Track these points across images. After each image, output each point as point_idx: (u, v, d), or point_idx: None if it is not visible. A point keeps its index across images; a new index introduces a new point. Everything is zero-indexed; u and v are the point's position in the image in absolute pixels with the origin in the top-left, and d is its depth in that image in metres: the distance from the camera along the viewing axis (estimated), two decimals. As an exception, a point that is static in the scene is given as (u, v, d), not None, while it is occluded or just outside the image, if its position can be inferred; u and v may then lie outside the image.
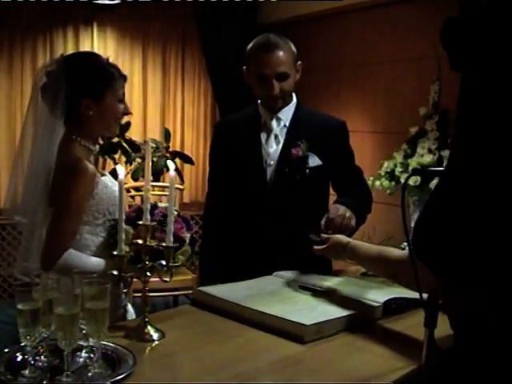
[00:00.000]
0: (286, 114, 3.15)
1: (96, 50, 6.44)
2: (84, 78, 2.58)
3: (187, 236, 2.38)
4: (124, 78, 2.69)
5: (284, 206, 3.05)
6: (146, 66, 7.08)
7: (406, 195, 4.86)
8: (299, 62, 3.09)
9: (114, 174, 2.59)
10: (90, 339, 1.88)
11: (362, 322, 2.34)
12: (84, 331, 1.87)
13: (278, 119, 3.13)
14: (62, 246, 2.43)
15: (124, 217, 2.13)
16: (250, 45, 3.09)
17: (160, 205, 2.44)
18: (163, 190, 6.06)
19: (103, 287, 1.85)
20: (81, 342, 1.89)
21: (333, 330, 2.22)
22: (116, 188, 2.35)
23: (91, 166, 2.52)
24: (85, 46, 6.61)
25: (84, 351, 1.92)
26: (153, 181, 6.07)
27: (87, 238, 2.53)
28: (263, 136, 3.13)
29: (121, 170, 2.12)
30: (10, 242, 6.32)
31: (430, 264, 1.54)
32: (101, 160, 6.25)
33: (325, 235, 2.65)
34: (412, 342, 2.16)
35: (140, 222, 2.16)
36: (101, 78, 2.59)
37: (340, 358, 2.06)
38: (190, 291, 5.60)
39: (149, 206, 2.13)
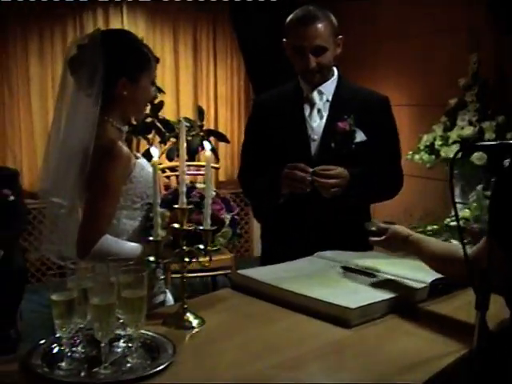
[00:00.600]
0: (328, 88, 3.06)
1: (127, 30, 6.39)
2: (123, 56, 2.49)
3: (227, 217, 2.29)
4: (157, 60, 2.62)
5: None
6: (177, 45, 7.04)
7: (446, 169, 4.76)
8: (340, 37, 2.99)
9: (147, 155, 2.52)
10: (128, 328, 1.81)
11: (408, 303, 2.25)
12: (121, 320, 1.81)
13: (321, 93, 3.04)
14: (97, 231, 2.34)
15: (159, 200, 2.06)
16: (290, 17, 2.99)
17: (197, 185, 2.36)
18: (198, 170, 6.00)
19: (140, 275, 1.78)
20: (118, 331, 1.83)
21: (378, 313, 2.14)
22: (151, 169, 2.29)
23: (126, 148, 2.44)
24: (116, 26, 6.56)
25: (122, 341, 1.85)
26: (188, 160, 6.02)
27: (125, 223, 2.46)
28: (306, 110, 3.04)
29: (155, 151, 2.04)
30: (35, 226, 6.37)
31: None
32: (135, 140, 6.21)
33: (382, 225, 2.47)
34: (460, 325, 2.07)
35: (176, 206, 2.08)
36: (139, 59, 2.52)
37: (387, 343, 1.97)
38: (229, 271, 5.56)
39: (185, 189, 2.05)
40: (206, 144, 2.14)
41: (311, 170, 2.82)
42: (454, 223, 3.23)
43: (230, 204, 2.36)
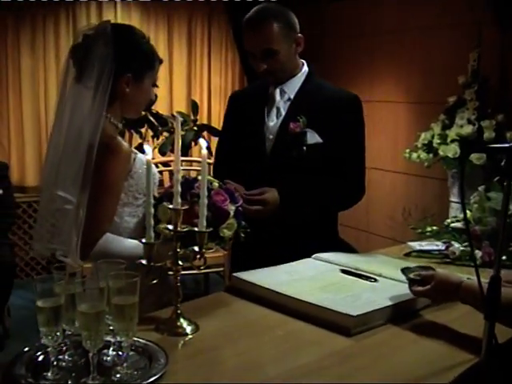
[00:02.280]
0: (292, 86, 2.93)
1: (120, 21, 6.27)
2: (133, 52, 2.39)
3: (232, 208, 2.20)
4: (161, 61, 2.53)
5: (281, 185, 2.80)
6: (171, 37, 6.94)
7: (444, 168, 4.69)
8: (299, 35, 2.85)
9: (140, 149, 2.42)
10: (118, 337, 1.71)
11: (410, 310, 2.17)
12: (111, 327, 1.71)
13: (283, 91, 2.93)
14: (99, 230, 2.24)
15: (153, 200, 1.96)
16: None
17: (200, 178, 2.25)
18: (191, 165, 5.93)
19: (132, 280, 1.68)
20: (108, 338, 1.73)
21: (380, 321, 2.05)
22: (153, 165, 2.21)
23: (126, 144, 2.35)
24: (109, 17, 6.41)
25: (112, 349, 1.76)
26: (181, 155, 5.92)
27: (128, 221, 2.36)
28: (267, 109, 2.95)
29: (148, 148, 1.94)
30: (25, 220, 6.30)
31: None
32: (127, 134, 6.10)
33: (425, 272, 2.17)
34: (465, 334, 1.99)
35: (170, 206, 1.97)
36: (147, 58, 2.43)
37: (391, 353, 1.89)
38: (222, 269, 5.49)
39: (180, 189, 1.95)
40: (202, 142, 2.04)
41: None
42: (454, 224, 3.15)
43: (234, 195, 2.27)
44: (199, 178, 2.22)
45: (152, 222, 1.93)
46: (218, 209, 2.14)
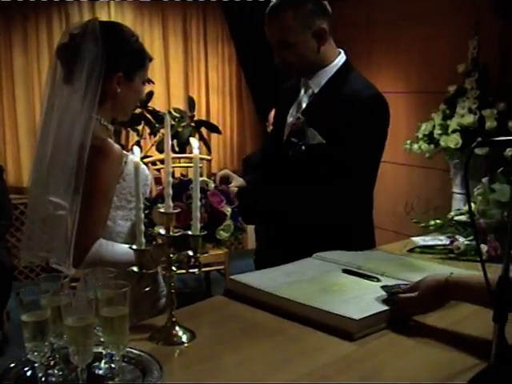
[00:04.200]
0: (318, 79, 2.72)
1: (113, 19, 6.18)
2: (123, 50, 2.32)
3: (228, 210, 2.12)
4: (150, 59, 2.46)
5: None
6: (166, 32, 6.86)
7: (446, 159, 4.62)
8: (323, 26, 2.64)
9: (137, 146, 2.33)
10: (108, 349, 1.63)
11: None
12: (102, 339, 1.63)
13: (307, 86, 2.76)
14: (91, 236, 2.16)
15: (142, 205, 1.87)
16: None
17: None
18: (190, 162, 5.84)
19: (121, 290, 1.60)
20: (100, 350, 1.65)
21: (383, 324, 1.96)
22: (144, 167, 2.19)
23: (117, 146, 2.27)
24: (102, 15, 6.36)
25: (103, 361, 1.67)
26: (179, 152, 5.87)
27: (122, 225, 2.29)
28: (294, 104, 2.82)
29: (136, 150, 1.85)
30: (23, 221, 6.14)
31: None
32: (124, 132, 6.02)
33: (404, 284, 2.06)
34: (473, 335, 1.90)
35: (161, 210, 1.89)
36: (137, 56, 2.37)
37: (397, 359, 1.79)
38: (222, 266, 5.43)
39: (171, 192, 1.86)
40: (194, 142, 1.95)
41: None
42: (458, 217, 3.06)
43: (230, 196, 2.18)
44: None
45: (143, 228, 1.84)
46: (214, 210, 2.07)
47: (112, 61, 2.26)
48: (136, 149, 1.86)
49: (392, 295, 2.01)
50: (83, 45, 2.22)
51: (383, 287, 2.09)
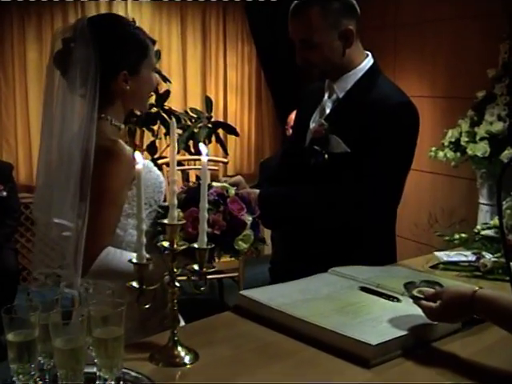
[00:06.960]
0: (343, 84, 2.57)
1: (131, 17, 6.07)
2: (119, 47, 2.17)
3: (249, 219, 2.00)
4: (154, 42, 2.29)
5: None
6: (184, 30, 6.76)
7: (473, 168, 4.47)
8: (350, 27, 2.50)
9: (152, 147, 2.19)
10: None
11: (434, 338, 1.89)
12: (95, 360, 1.49)
13: (332, 90, 2.60)
14: (99, 244, 2.02)
15: (144, 216, 1.72)
16: None
17: (214, 184, 2.06)
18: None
19: (117, 310, 1.46)
20: (94, 369, 1.51)
21: (402, 350, 1.79)
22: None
23: (129, 148, 2.12)
24: (119, 12, 6.21)
25: (97, 383, 1.53)
26: (195, 154, 5.75)
27: (133, 234, 2.11)
28: (317, 109, 2.65)
29: (139, 156, 1.70)
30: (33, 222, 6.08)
31: None
32: (138, 132, 5.90)
33: (427, 289, 1.91)
34: (497, 370, 1.73)
35: (165, 221, 1.74)
36: (137, 47, 2.20)
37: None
38: (236, 274, 5.32)
39: (176, 202, 1.72)
40: (202, 147, 1.80)
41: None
42: (484, 232, 2.89)
43: (252, 205, 2.05)
44: (213, 183, 2.05)
45: (144, 240, 1.69)
46: (234, 218, 1.94)
47: (109, 61, 2.13)
48: (138, 155, 1.71)
49: (412, 298, 1.90)
50: (75, 49, 2.11)
51: (406, 284, 1.98)
